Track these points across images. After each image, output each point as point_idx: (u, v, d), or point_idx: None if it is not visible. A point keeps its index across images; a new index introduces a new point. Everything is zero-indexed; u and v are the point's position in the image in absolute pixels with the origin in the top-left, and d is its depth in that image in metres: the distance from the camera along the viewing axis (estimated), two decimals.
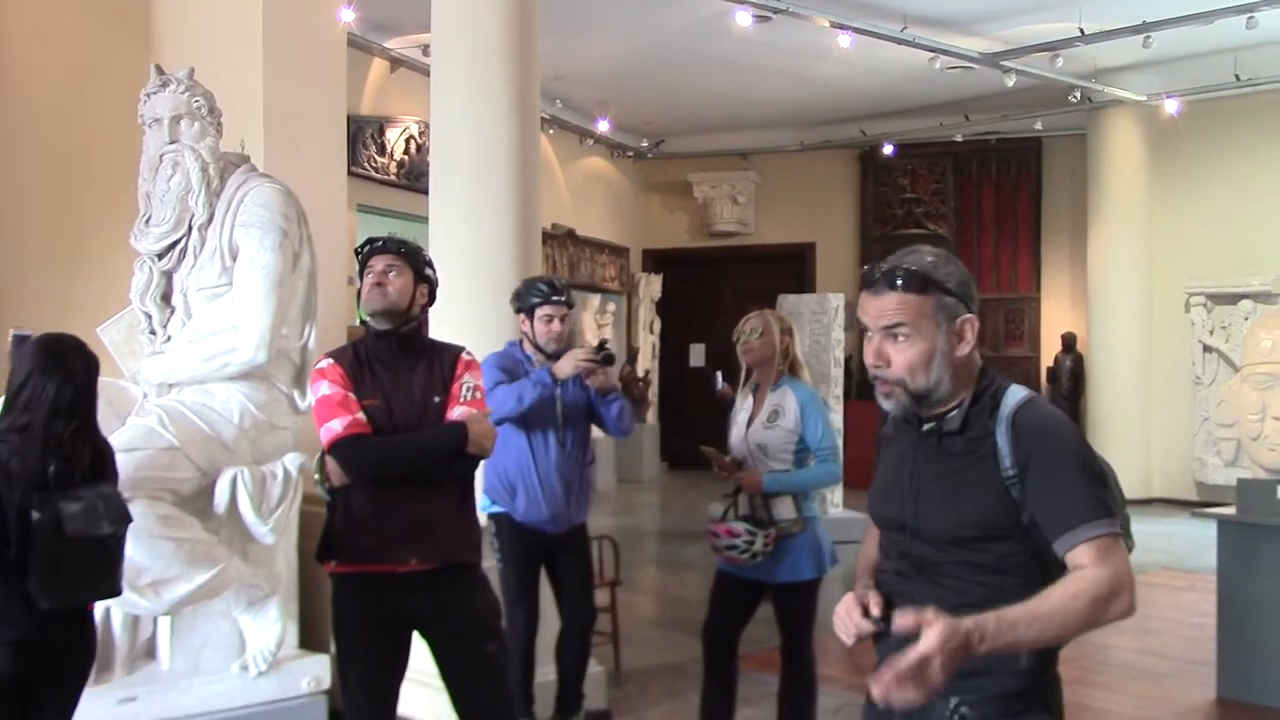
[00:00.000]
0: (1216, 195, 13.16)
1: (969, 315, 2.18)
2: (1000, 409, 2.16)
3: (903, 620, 1.91)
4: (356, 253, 3.55)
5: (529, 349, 4.58)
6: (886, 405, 2.20)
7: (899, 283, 2.14)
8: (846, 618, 2.18)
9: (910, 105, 14.31)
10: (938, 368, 2.15)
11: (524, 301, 4.57)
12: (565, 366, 4.40)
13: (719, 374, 9.72)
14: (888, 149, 15.28)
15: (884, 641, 2.17)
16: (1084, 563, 2.02)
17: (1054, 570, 2.09)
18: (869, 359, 2.19)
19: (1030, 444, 2.11)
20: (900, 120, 14.83)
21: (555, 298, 4.52)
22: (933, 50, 11.27)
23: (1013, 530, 2.11)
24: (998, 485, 2.11)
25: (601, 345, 4.54)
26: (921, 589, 2.15)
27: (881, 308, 2.15)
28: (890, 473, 2.31)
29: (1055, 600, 1.99)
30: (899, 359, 2.15)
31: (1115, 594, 2.00)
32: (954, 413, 2.19)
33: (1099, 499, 2.08)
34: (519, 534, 4.55)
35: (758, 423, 4.38)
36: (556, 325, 4.52)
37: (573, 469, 4.57)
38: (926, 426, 2.22)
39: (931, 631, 1.86)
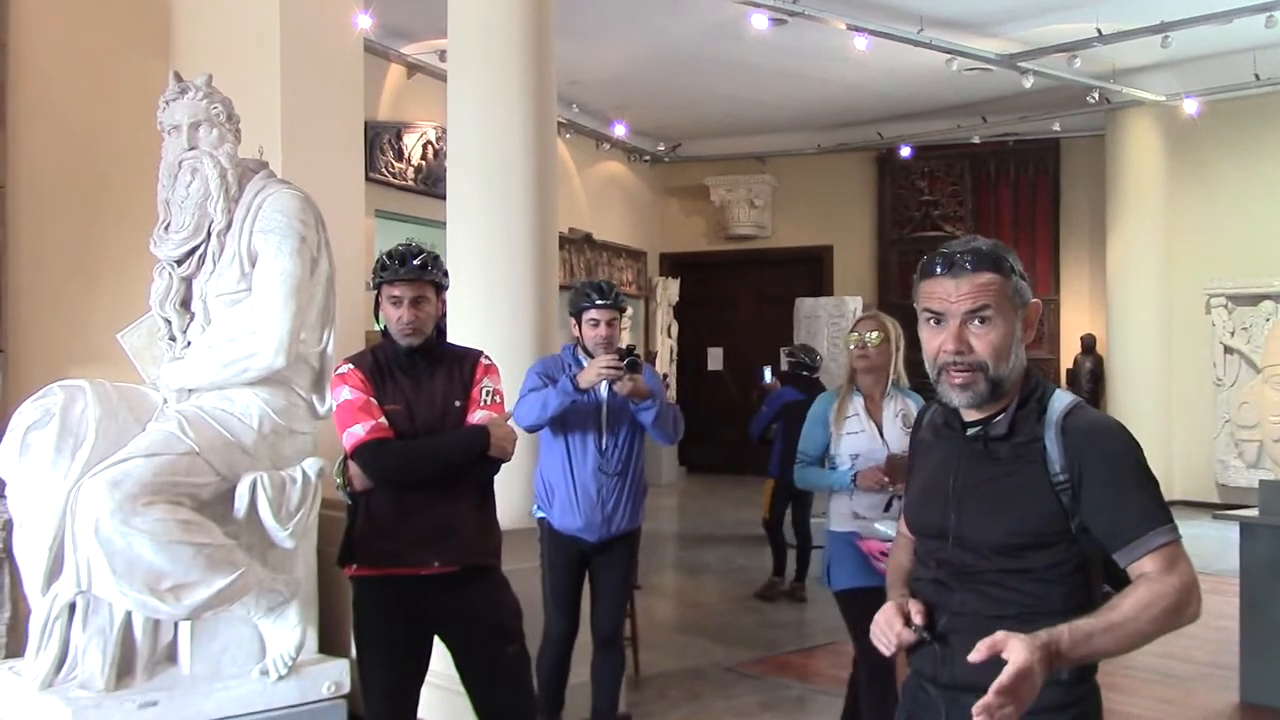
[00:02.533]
0: (1237, 195, 13.09)
1: (1036, 300, 2.15)
2: (1048, 413, 2.09)
3: (978, 655, 1.84)
4: (377, 271, 3.55)
5: (582, 353, 4.58)
6: (960, 398, 2.10)
7: (981, 264, 2.08)
8: (887, 627, 2.13)
9: (927, 107, 14.28)
10: (1014, 354, 2.09)
11: (574, 306, 4.61)
12: (588, 375, 4.37)
13: (768, 369, 9.81)
14: (905, 151, 15.26)
15: (920, 651, 2.14)
16: (1149, 572, 1.97)
17: (1095, 579, 2.05)
18: (948, 346, 2.08)
19: (1083, 449, 2.04)
20: (917, 122, 14.81)
21: (600, 301, 4.53)
22: (950, 52, 11.25)
23: (1061, 537, 2.05)
24: (1047, 491, 2.05)
25: (628, 350, 4.44)
26: (962, 599, 2.11)
27: (963, 290, 2.07)
28: (931, 479, 2.23)
29: (1127, 610, 1.93)
30: (982, 343, 2.07)
31: (1185, 602, 1.95)
32: (1000, 416, 2.12)
33: (1159, 505, 2.02)
34: (558, 540, 4.55)
35: (895, 430, 4.25)
36: (603, 330, 4.52)
37: (612, 476, 4.51)
38: (971, 431, 2.15)
39: (1017, 645, 1.81)
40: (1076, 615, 2.01)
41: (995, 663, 2.01)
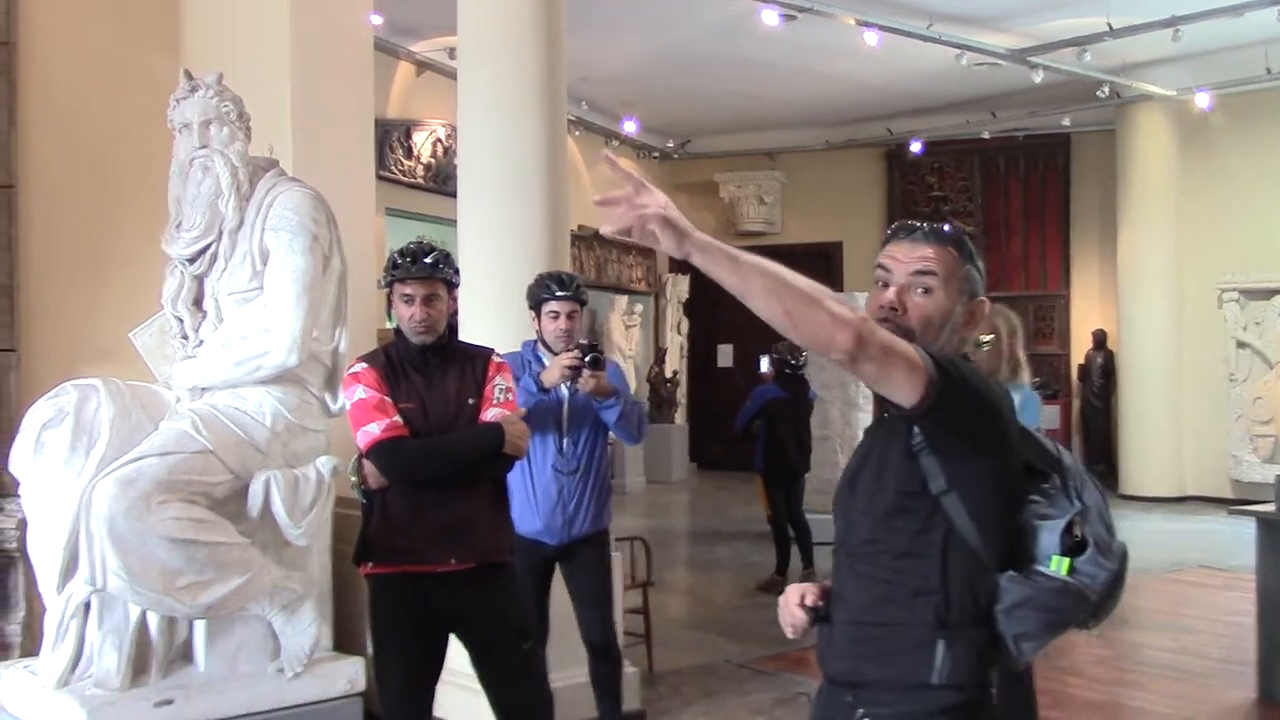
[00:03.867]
0: (1248, 189, 13.02)
1: (984, 299, 2.16)
2: None
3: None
4: (389, 270, 3.53)
5: (542, 349, 4.38)
6: None
7: (941, 239, 2.12)
8: (785, 610, 2.16)
9: (937, 102, 14.25)
10: (944, 336, 2.09)
11: (533, 298, 4.38)
12: (551, 374, 4.20)
13: (764, 358, 9.86)
14: (915, 147, 15.21)
15: (820, 631, 2.14)
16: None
17: (974, 560, 2.00)
18: (884, 302, 2.09)
19: None
20: (927, 118, 14.77)
21: (561, 293, 4.30)
22: (959, 47, 11.23)
23: (918, 501, 2.00)
24: (904, 453, 2.01)
25: (591, 347, 4.25)
26: (849, 577, 2.09)
27: (916, 254, 2.11)
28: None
29: (768, 262, 1.87)
30: (917, 311, 2.08)
31: (837, 312, 1.81)
32: None
33: (957, 372, 1.94)
34: (518, 544, 4.23)
35: None
36: (563, 322, 4.28)
37: (573, 477, 4.32)
38: (888, 412, 2.12)
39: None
40: (961, 599, 1.99)
41: (863, 656, 2.02)
